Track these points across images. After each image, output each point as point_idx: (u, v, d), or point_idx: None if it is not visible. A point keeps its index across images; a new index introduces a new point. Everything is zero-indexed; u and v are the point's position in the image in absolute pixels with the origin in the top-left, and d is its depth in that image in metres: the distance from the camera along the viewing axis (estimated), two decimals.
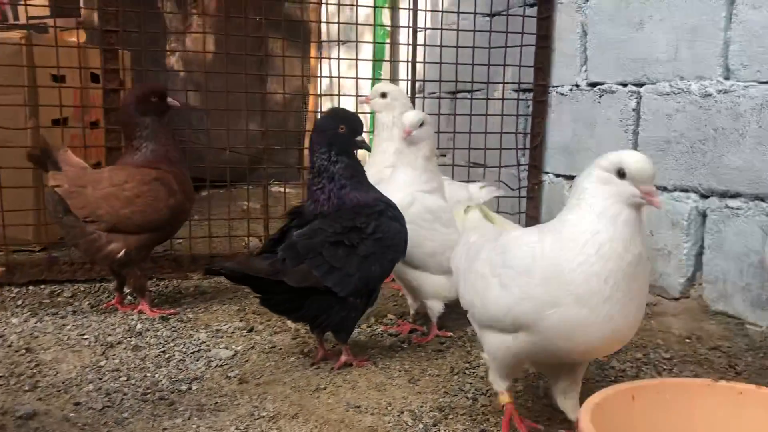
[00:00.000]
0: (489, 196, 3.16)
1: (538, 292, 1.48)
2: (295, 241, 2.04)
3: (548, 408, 1.89)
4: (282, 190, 3.81)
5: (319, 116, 2.26)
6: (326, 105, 4.44)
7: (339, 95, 3.62)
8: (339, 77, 3.58)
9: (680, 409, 1.55)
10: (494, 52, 3.65)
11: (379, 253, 2.11)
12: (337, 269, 2.03)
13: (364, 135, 2.21)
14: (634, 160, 1.45)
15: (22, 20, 4.66)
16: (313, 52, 5.83)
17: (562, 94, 3.49)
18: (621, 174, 1.45)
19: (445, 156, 3.87)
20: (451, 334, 2.50)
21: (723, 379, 1.82)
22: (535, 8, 3.55)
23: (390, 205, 2.21)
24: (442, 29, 3.68)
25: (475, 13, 3.68)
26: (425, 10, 3.82)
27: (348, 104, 3.97)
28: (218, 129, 3.72)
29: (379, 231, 2.11)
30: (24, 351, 2.29)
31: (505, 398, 1.71)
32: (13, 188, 3.05)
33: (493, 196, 3.19)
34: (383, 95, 3.10)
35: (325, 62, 5.38)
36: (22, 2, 3.98)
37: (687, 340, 2.49)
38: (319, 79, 4.49)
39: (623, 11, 3.05)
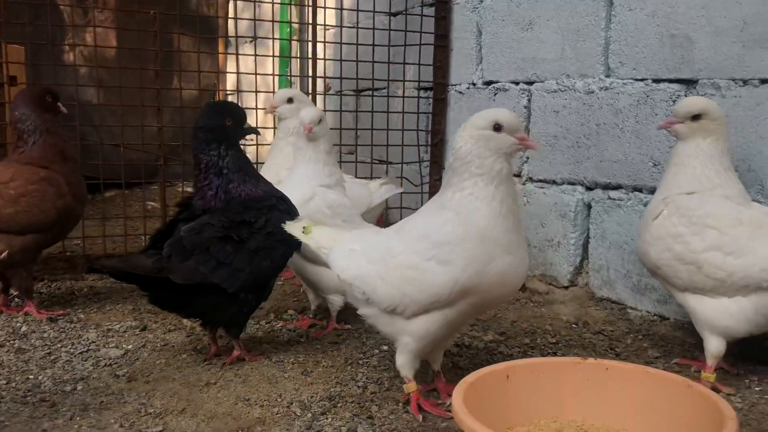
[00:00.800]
0: (388, 194, 3.21)
1: (479, 254, 1.65)
2: (181, 237, 1.99)
3: (434, 393, 1.95)
4: (184, 189, 3.73)
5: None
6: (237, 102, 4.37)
7: (238, 91, 3.58)
8: (238, 72, 3.54)
9: (551, 385, 1.65)
10: (396, 51, 3.71)
11: (270, 248, 2.09)
12: (225, 265, 2.00)
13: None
14: (505, 113, 1.69)
15: None
16: (221, 48, 5.73)
17: (460, 92, 3.58)
18: (497, 128, 1.66)
19: (352, 154, 3.90)
20: (350, 326, 2.53)
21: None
22: (433, 8, 3.62)
23: (282, 199, 2.19)
24: (341, 26, 3.70)
25: (374, 12, 3.73)
26: (324, 7, 3.83)
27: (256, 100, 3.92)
28: (113, 125, 3.60)
29: (269, 225, 2.08)
30: None
31: (412, 386, 1.80)
32: None
33: (393, 194, 3.25)
34: (290, 100, 3.05)
35: (234, 58, 5.30)
36: None
37: (574, 326, 2.62)
38: (226, 75, 4.42)
39: (514, 12, 3.16)
